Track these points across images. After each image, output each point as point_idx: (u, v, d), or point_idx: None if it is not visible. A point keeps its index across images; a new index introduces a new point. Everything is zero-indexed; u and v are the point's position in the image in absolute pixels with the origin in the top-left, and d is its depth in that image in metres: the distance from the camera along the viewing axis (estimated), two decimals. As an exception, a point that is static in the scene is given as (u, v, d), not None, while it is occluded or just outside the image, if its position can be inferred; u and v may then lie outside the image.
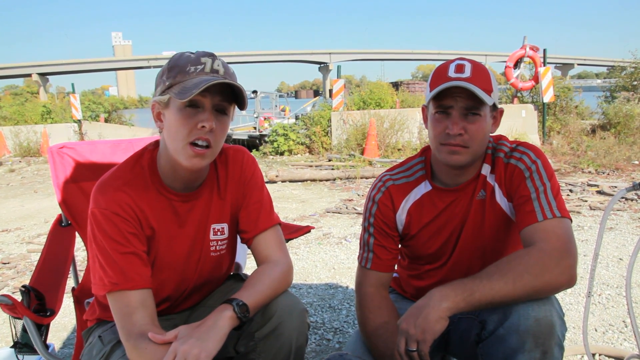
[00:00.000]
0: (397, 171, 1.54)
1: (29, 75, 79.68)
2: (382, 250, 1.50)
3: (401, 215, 1.50)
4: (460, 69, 1.33)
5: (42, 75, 79.39)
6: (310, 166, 8.85)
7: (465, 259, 1.48)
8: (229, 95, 1.24)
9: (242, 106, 1.27)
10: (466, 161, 1.37)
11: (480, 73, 1.33)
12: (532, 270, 1.18)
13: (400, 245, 1.57)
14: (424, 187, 1.49)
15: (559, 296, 1.28)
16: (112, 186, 1.28)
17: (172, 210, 1.34)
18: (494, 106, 1.38)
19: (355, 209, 5.58)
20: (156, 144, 1.36)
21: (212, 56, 1.23)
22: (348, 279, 3.52)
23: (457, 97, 1.31)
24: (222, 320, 1.15)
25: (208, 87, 1.16)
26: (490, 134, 1.43)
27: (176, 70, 1.21)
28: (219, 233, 1.42)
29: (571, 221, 1.31)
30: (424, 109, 1.45)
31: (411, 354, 1.20)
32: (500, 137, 1.48)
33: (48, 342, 1.59)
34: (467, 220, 1.44)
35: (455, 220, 1.46)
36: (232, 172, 1.42)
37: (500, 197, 1.42)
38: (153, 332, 1.14)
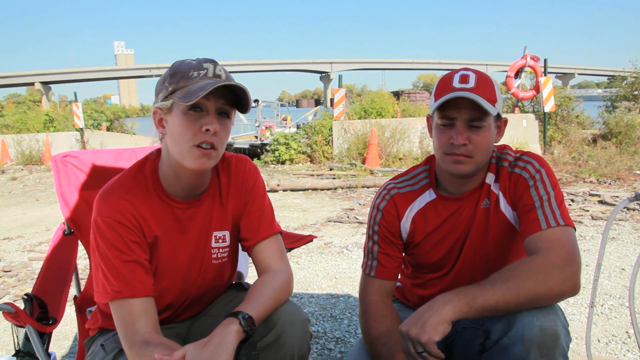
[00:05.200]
0: (402, 180, 1.55)
1: (32, 83, 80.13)
2: (386, 258, 1.50)
3: (405, 224, 1.51)
4: (464, 79, 1.34)
5: (45, 84, 79.77)
6: (312, 175, 8.86)
7: (469, 267, 1.48)
8: (231, 99, 1.25)
9: (245, 109, 1.28)
10: (470, 171, 1.37)
11: (484, 83, 1.34)
12: (536, 277, 1.18)
13: (404, 254, 1.57)
14: (429, 196, 1.50)
15: (561, 306, 1.28)
16: (114, 194, 1.28)
17: (174, 218, 1.34)
18: (498, 116, 1.39)
19: (357, 218, 5.57)
20: (158, 152, 1.36)
21: (214, 62, 1.25)
22: (349, 288, 3.51)
23: (462, 108, 1.32)
24: (230, 335, 1.14)
25: (212, 90, 1.17)
26: (495, 144, 1.44)
27: (179, 75, 1.22)
28: (220, 240, 1.42)
29: (575, 230, 1.31)
30: (429, 119, 1.46)
31: (421, 355, 1.19)
32: (505, 147, 1.48)
33: (50, 350, 1.59)
34: (471, 228, 1.44)
35: (460, 229, 1.46)
36: (234, 180, 1.43)
37: (504, 206, 1.42)
38: (160, 354, 1.10)
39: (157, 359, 1.09)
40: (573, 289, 1.20)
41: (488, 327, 1.25)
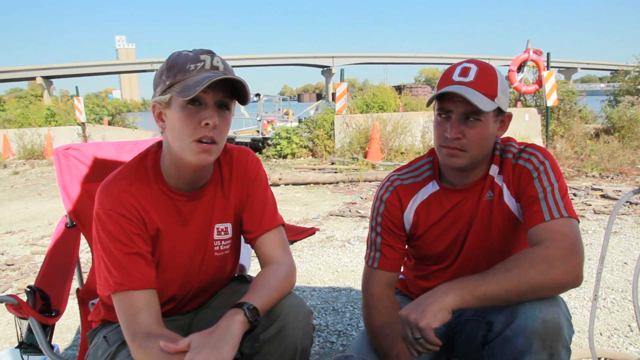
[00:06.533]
0: (405, 171, 1.55)
1: (33, 78, 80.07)
2: (389, 249, 1.50)
3: (409, 215, 1.50)
4: (465, 72, 1.32)
5: (46, 78, 79.70)
6: (313, 169, 8.85)
7: (472, 259, 1.47)
8: (230, 91, 1.23)
9: (244, 101, 1.26)
10: (464, 164, 1.37)
11: (485, 77, 1.32)
12: (538, 267, 1.18)
13: (407, 246, 1.57)
14: (432, 187, 1.49)
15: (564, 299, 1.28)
16: (116, 187, 1.28)
17: (176, 210, 1.34)
18: (500, 110, 1.37)
19: (359, 212, 5.57)
20: (160, 144, 1.36)
21: (211, 53, 1.23)
22: (351, 281, 3.51)
23: (457, 102, 1.31)
24: (235, 325, 1.13)
25: (210, 83, 1.15)
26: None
27: (176, 69, 1.20)
28: (222, 233, 1.41)
29: (578, 221, 1.31)
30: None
31: (418, 341, 1.19)
32: (509, 139, 1.48)
33: (52, 343, 1.59)
34: (474, 220, 1.44)
35: (463, 221, 1.46)
36: (237, 172, 1.42)
37: (508, 198, 1.41)
38: (165, 342, 1.10)
39: (162, 346, 1.10)
40: (575, 280, 1.20)
41: (490, 319, 1.25)
